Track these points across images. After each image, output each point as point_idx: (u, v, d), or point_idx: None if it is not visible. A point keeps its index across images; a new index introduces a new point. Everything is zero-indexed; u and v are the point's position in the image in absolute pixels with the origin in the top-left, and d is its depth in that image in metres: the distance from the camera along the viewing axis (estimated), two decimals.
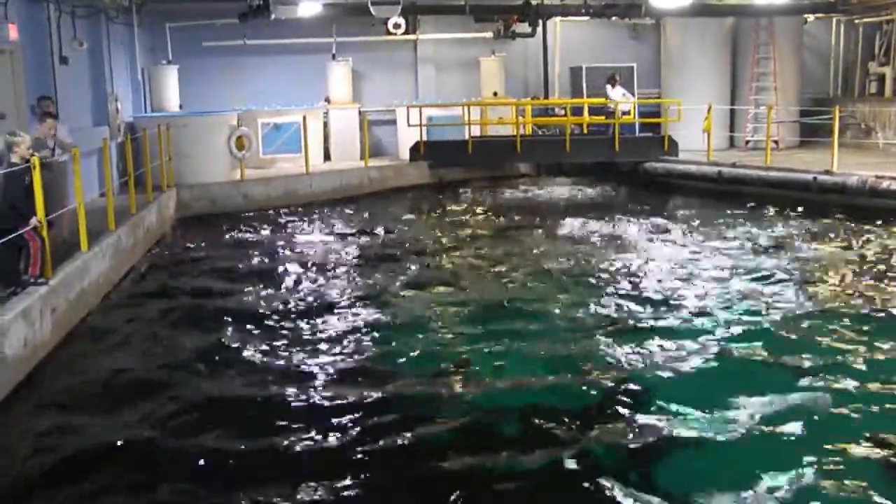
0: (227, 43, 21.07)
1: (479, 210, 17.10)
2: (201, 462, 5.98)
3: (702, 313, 9.03)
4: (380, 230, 14.57)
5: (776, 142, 19.34)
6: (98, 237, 10.53)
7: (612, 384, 7.16)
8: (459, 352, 8.15)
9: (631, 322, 8.85)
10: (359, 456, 5.97)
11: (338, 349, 8.24)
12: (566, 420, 6.46)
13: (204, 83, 21.09)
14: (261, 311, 9.62)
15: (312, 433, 6.34)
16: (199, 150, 16.83)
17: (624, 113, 19.89)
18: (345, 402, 6.93)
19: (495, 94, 21.87)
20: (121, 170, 14.49)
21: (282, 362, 7.94)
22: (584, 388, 7.15)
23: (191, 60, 20.70)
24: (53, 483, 5.72)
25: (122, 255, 11.40)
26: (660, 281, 10.42)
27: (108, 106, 16.36)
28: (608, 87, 19.94)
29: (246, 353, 8.14)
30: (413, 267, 11.78)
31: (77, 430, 6.54)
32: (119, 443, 6.26)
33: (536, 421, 6.49)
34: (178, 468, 5.88)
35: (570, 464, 5.79)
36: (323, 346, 8.34)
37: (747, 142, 20.88)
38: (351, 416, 6.60)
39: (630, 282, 10.47)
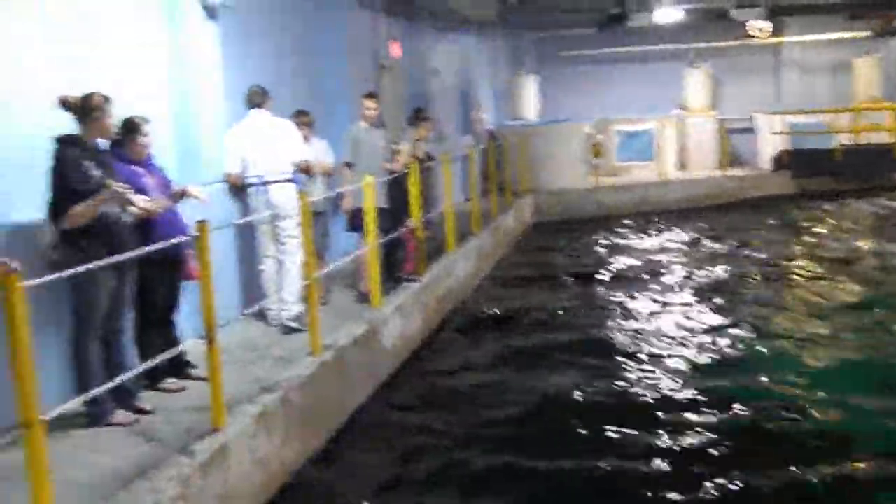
0: (584, 52, 21.45)
1: (851, 226, 15.65)
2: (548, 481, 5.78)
3: None
4: (737, 243, 13.89)
5: None
6: (463, 239, 11.11)
7: None
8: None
9: None
10: None
11: (691, 374, 7.74)
12: None
13: (561, 92, 21.62)
14: (610, 320, 9.52)
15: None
16: (556, 158, 17.21)
17: None
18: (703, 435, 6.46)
19: (871, 98, 20.02)
20: (482, 175, 15.17)
21: (625, 384, 7.58)
22: None
23: (550, 70, 21.33)
24: (413, 473, 6.02)
25: (483, 257, 11.93)
26: None
27: (472, 115, 17.30)
28: None
29: (590, 361, 8.07)
30: (773, 288, 11.02)
31: (436, 425, 6.81)
32: (472, 442, 6.43)
33: None
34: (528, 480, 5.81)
35: None
36: (671, 369, 7.86)
37: None
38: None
39: None
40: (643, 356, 8.18)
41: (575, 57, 21.62)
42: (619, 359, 8.14)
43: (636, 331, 9.12)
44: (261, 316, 7.48)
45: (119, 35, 6.52)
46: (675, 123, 19.77)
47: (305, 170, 7.59)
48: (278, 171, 7.27)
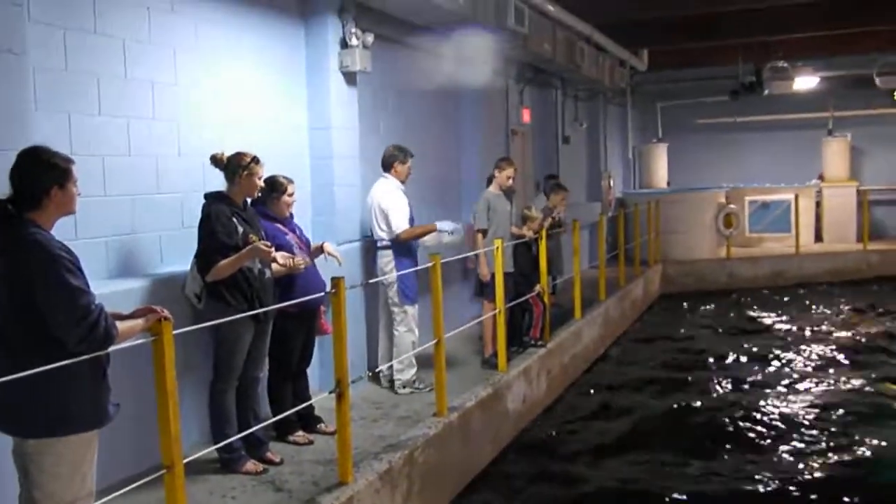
0: (716, 120, 21.11)
1: None
2: None
3: None
4: (880, 320, 13.19)
5: None
6: (590, 306, 10.99)
7: None
8: None
9: None
10: None
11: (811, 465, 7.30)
12: None
13: (692, 160, 21.31)
14: (739, 407, 8.87)
15: None
16: (686, 227, 16.89)
17: None
18: None
19: None
20: (610, 243, 14.99)
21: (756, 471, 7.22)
22: None
23: (680, 138, 21.06)
24: None
25: (609, 326, 11.76)
26: None
27: (601, 182, 17.24)
28: None
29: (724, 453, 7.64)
30: None
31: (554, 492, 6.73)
32: None
33: None
34: None
35: None
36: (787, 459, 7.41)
37: None
38: None
39: None
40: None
41: (706, 125, 21.31)
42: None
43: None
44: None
45: (265, 99, 6.88)
46: (813, 194, 19.10)
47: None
48: (380, 237, 7.35)
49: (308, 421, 6.14)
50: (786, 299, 15.31)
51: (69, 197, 3.45)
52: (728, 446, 7.62)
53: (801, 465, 7.11)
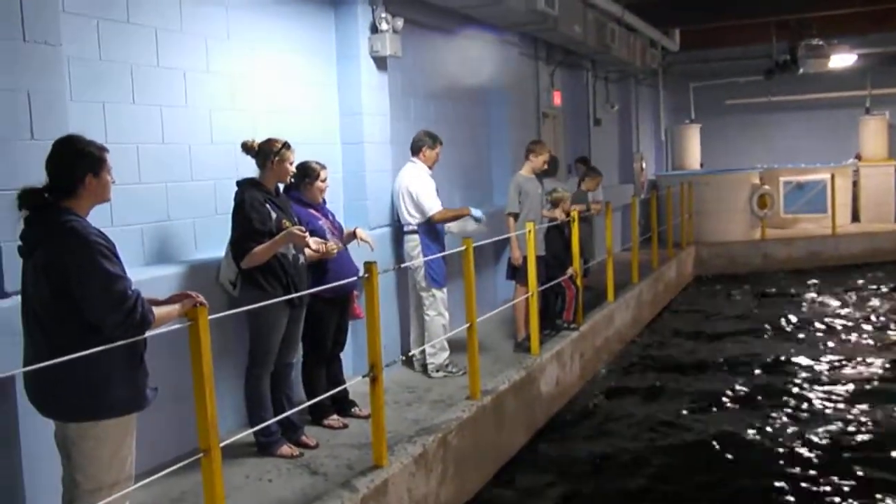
0: (750, 100, 20.87)
1: None
2: None
3: None
4: None
5: None
6: (622, 289, 10.94)
7: None
8: None
9: None
10: None
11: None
12: None
13: (725, 141, 21.13)
14: (768, 381, 9.00)
15: None
16: (719, 208, 16.72)
17: None
18: None
19: None
20: (642, 225, 14.89)
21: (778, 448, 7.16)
22: None
23: (712, 118, 20.86)
24: None
25: (642, 308, 11.70)
26: None
27: (633, 164, 17.13)
28: None
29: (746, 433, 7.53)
30: None
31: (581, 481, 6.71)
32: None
33: None
34: None
35: None
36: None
37: None
38: None
39: None
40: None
41: (739, 105, 21.07)
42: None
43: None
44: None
45: (296, 86, 6.91)
46: (849, 174, 18.81)
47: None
48: (408, 222, 7.35)
49: (342, 405, 6.19)
50: (824, 282, 15.06)
51: (103, 185, 3.50)
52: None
53: None
